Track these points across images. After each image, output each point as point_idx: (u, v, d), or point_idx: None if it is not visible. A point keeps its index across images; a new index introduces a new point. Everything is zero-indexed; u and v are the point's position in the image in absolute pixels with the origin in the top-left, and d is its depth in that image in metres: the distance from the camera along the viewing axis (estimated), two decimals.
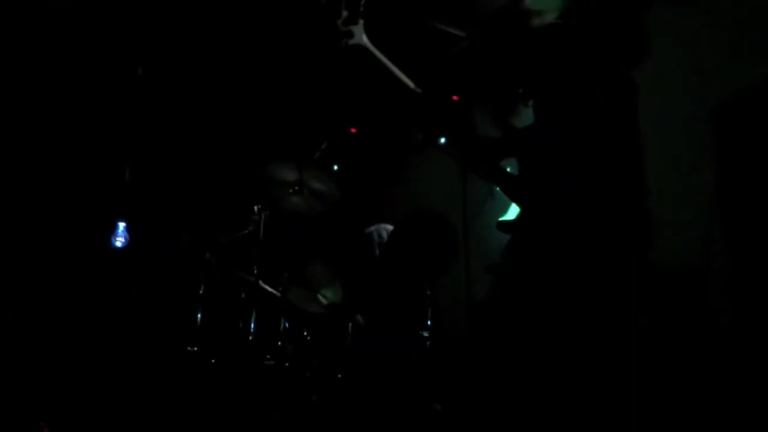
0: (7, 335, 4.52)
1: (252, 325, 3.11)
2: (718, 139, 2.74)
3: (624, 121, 1.71)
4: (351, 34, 1.80)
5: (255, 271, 3.16)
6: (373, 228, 3.99)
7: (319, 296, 3.62)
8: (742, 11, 2.86)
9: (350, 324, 3.36)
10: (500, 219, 1.78)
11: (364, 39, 1.81)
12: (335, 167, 4.53)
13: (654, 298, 1.88)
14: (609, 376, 1.67)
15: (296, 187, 3.24)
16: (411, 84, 1.87)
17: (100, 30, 4.01)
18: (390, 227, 3.49)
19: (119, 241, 4.30)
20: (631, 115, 1.76)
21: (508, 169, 1.89)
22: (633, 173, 1.71)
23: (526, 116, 1.88)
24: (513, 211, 1.90)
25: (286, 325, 3.27)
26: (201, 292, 3.80)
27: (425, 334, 2.99)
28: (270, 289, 3.50)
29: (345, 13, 1.79)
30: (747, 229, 2.56)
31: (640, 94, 1.83)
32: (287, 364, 3.19)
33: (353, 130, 3.73)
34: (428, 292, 2.87)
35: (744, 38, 2.83)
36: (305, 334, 3.48)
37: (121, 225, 4.32)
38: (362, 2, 1.83)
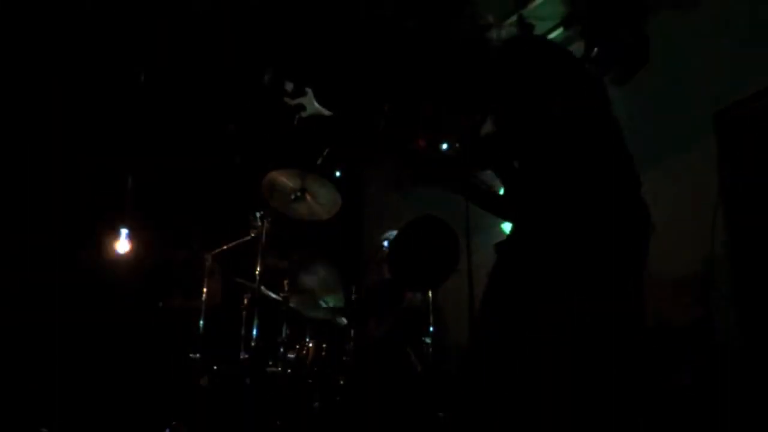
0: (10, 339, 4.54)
1: (254, 332, 3.11)
2: (722, 144, 2.74)
3: (591, 123, 1.69)
4: (303, 107, 1.78)
5: (257, 278, 3.16)
6: (384, 235, 3.99)
7: (321, 302, 3.62)
8: (746, 16, 2.87)
9: (352, 330, 3.36)
10: (495, 242, 1.77)
11: (317, 106, 1.80)
12: (337, 173, 4.54)
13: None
14: (608, 382, 1.66)
15: (298, 194, 3.25)
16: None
17: (102, 35, 4.05)
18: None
19: (121, 248, 4.31)
20: (600, 117, 1.73)
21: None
22: (611, 175, 1.69)
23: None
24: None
25: (288, 331, 3.27)
26: (203, 298, 3.80)
27: (427, 340, 2.98)
28: (272, 295, 3.50)
29: (290, 86, 1.77)
30: (750, 232, 2.56)
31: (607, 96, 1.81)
32: (289, 371, 3.18)
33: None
34: (430, 298, 2.86)
35: (747, 42, 2.84)
36: (307, 340, 3.48)
37: (124, 232, 4.34)
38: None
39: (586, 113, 1.69)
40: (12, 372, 4.32)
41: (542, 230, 1.66)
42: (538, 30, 3.47)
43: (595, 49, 3.19)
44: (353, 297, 3.50)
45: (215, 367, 3.36)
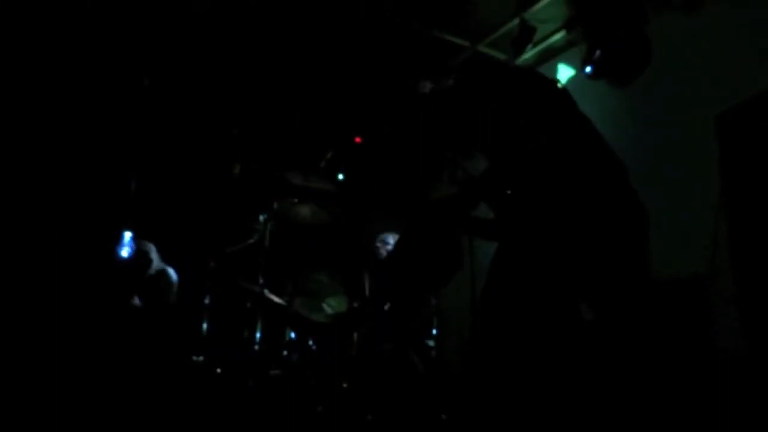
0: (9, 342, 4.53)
1: (257, 335, 3.11)
2: (723, 146, 2.75)
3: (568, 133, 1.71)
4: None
5: (260, 281, 3.16)
6: (381, 237, 3.99)
7: (324, 305, 3.63)
8: (747, 18, 2.88)
9: (355, 333, 3.36)
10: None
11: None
12: (340, 176, 4.54)
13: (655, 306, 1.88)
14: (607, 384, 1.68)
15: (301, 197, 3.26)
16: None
17: (105, 39, 4.04)
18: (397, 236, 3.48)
19: (125, 251, 4.30)
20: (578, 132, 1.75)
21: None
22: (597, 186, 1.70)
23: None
24: None
25: (292, 335, 3.27)
26: (207, 301, 3.80)
27: (430, 343, 2.99)
28: (275, 299, 3.50)
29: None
30: (750, 235, 2.57)
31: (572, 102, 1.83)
32: (292, 374, 3.19)
33: (358, 140, 3.75)
34: (433, 301, 2.87)
35: (748, 45, 2.85)
36: (310, 343, 3.48)
37: (127, 235, 4.33)
38: None
39: (567, 133, 1.71)
40: (12, 373, 4.31)
41: (544, 243, 1.68)
42: (540, 32, 3.47)
43: (597, 52, 3.20)
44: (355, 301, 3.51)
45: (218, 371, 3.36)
